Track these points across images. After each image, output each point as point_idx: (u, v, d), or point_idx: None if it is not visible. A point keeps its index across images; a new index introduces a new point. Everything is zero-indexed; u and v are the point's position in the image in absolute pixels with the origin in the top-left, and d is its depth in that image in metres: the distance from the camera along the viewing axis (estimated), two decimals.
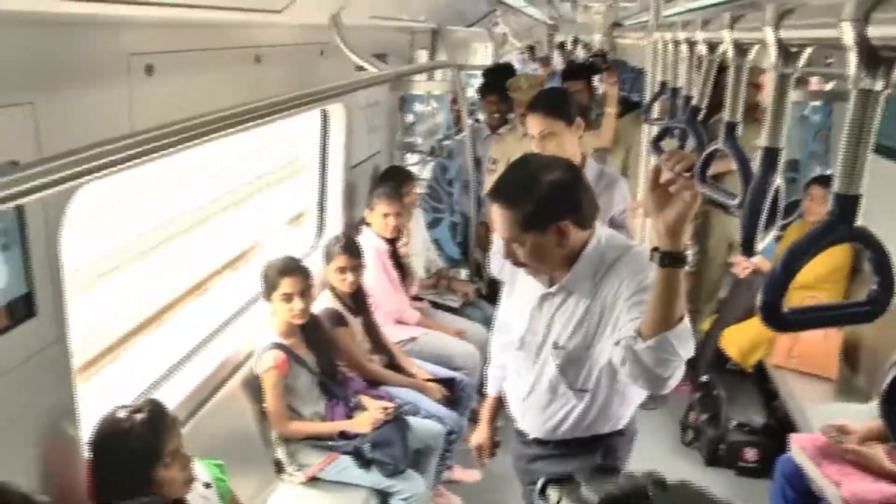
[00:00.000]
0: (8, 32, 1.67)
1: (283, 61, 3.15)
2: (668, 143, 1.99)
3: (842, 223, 0.82)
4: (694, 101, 1.61)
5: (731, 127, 1.29)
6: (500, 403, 2.67)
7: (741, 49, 1.32)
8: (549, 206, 2.02)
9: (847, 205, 0.81)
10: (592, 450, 2.34)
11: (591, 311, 2.13)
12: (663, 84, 2.55)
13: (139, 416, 2.04)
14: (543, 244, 2.05)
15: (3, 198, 1.14)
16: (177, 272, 5.99)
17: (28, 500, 1.55)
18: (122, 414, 2.05)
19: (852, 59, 0.81)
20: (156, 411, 2.08)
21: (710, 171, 1.45)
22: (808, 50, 1.05)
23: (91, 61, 1.98)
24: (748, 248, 1.06)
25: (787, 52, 1.06)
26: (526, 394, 2.34)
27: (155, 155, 1.46)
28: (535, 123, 3.07)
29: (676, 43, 2.12)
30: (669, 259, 1.69)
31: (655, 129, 3.13)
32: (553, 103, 3.12)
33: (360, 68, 3.18)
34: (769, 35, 1.07)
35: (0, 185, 1.14)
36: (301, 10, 2.57)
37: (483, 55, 10.00)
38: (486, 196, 2.13)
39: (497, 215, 2.07)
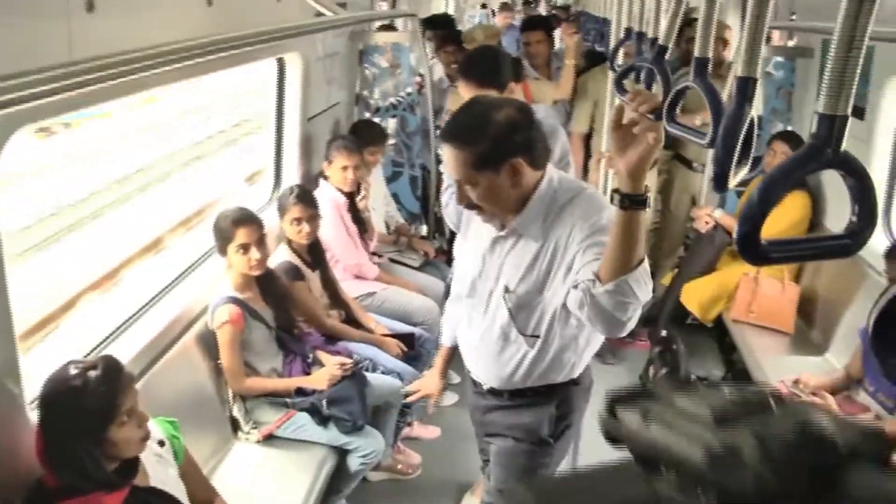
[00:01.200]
0: None
1: (238, 5, 3.01)
2: (631, 87, 1.92)
3: (826, 148, 0.76)
4: (661, 42, 1.54)
5: (702, 63, 1.23)
6: (453, 353, 2.66)
7: None
8: (502, 144, 1.99)
9: (833, 127, 0.75)
10: (548, 400, 2.34)
11: (541, 253, 2.10)
12: (628, 30, 2.49)
13: (93, 373, 1.95)
14: (497, 183, 2.02)
15: None
16: (131, 231, 5.89)
17: None
18: (74, 370, 1.95)
19: None
20: (110, 367, 1.99)
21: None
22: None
23: None
24: (720, 183, 1.01)
25: None
26: (478, 341, 2.32)
27: (95, 88, 1.36)
28: (466, 91, 3.00)
29: None
30: (630, 201, 1.66)
31: None
32: (484, 69, 3.04)
33: (319, 15, 3.07)
34: None
35: None
36: None
37: (443, 8, 9.84)
38: (439, 139, 2.08)
39: (450, 156, 2.04)
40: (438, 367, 2.75)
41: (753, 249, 0.77)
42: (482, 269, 2.25)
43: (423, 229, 5.36)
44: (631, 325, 1.85)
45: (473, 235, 2.35)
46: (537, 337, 2.20)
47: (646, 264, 1.77)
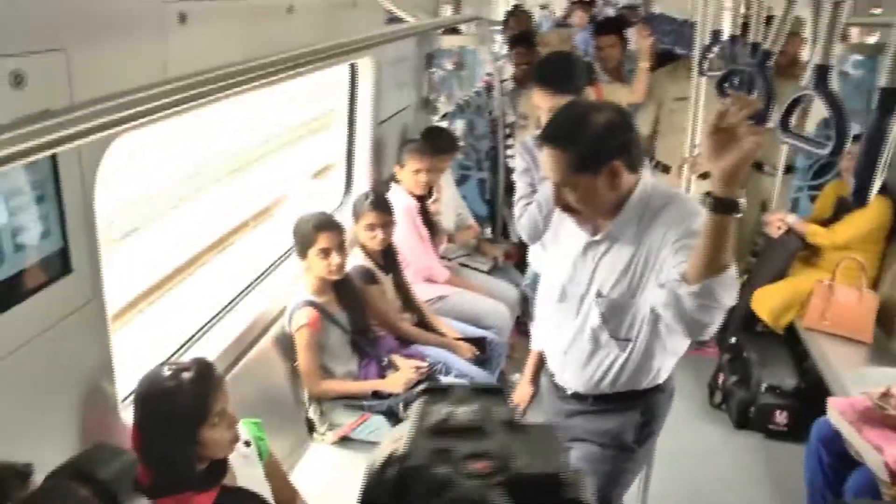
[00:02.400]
0: None
1: (315, 13, 3.06)
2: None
3: None
4: (766, 46, 1.51)
5: (823, 70, 1.19)
6: (543, 359, 2.62)
7: None
8: (602, 147, 2.00)
9: None
10: (633, 406, 2.33)
11: (636, 258, 2.10)
12: (716, 32, 2.44)
13: (186, 375, 1.98)
14: (595, 186, 2.03)
15: (36, 147, 1.06)
16: (201, 226, 5.97)
17: (14, 470, 1.52)
18: (168, 372, 1.99)
19: None
20: (203, 370, 2.02)
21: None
22: None
23: (124, 8, 1.91)
24: (861, 197, 0.98)
25: None
26: (567, 346, 2.31)
27: (188, 105, 1.39)
28: (543, 98, 2.98)
29: None
30: (722, 205, 1.64)
31: (705, 81, 3.03)
32: (560, 77, 3.01)
33: (393, 20, 3.09)
34: None
35: (32, 133, 1.06)
36: None
37: (504, 10, 9.80)
38: (536, 142, 2.09)
39: (549, 158, 2.05)
40: (529, 374, 2.72)
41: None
42: (573, 274, 2.25)
43: (488, 231, 5.33)
44: (713, 329, 1.84)
45: (563, 241, 2.34)
46: (628, 341, 2.19)
47: (733, 270, 1.76)
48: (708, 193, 1.66)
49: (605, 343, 2.22)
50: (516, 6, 8.15)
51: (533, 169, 3.05)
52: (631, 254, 2.10)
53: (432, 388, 1.11)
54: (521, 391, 2.73)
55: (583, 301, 2.23)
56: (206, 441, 2.01)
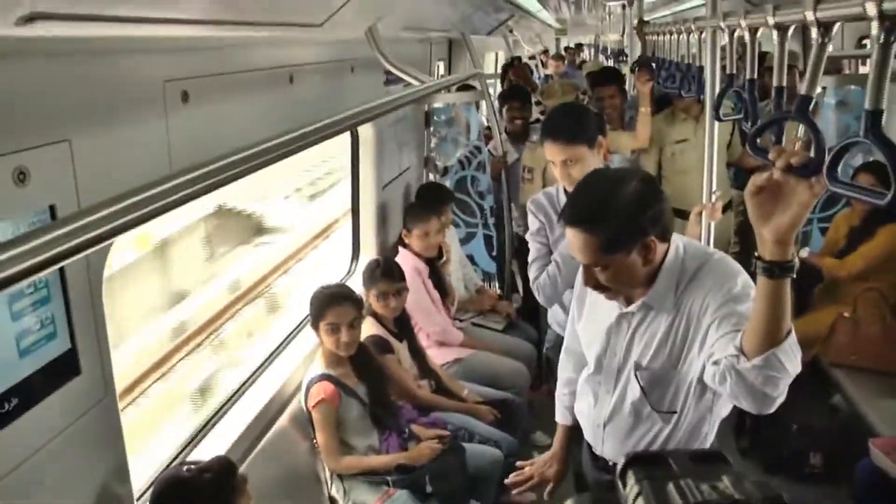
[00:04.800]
0: (40, 65, 1.55)
1: (316, 80, 3.03)
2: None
3: None
4: (803, 91, 1.43)
5: (877, 116, 1.12)
6: (572, 432, 2.50)
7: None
8: (634, 224, 1.87)
9: None
10: None
11: (674, 327, 1.98)
12: (730, 76, 2.38)
13: (207, 476, 1.89)
14: (630, 264, 1.91)
15: (41, 263, 0.98)
16: None
17: None
18: (187, 473, 1.90)
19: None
20: (224, 470, 1.93)
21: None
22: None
23: (126, 91, 1.86)
24: None
25: None
26: (606, 419, 2.19)
27: (195, 196, 1.33)
28: (555, 151, 2.83)
29: (754, 30, 1.95)
30: (779, 269, 1.51)
31: (718, 127, 2.97)
32: (572, 128, 2.86)
33: (391, 81, 3.06)
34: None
35: (38, 247, 0.98)
36: (340, 23, 2.45)
37: (490, 64, 9.90)
38: (560, 221, 1.97)
39: (577, 241, 1.91)
40: (559, 450, 2.55)
41: None
42: (607, 346, 2.14)
43: (496, 288, 5.25)
44: (781, 399, 1.69)
45: (593, 311, 2.24)
46: (673, 413, 2.07)
47: (794, 335, 1.62)
48: (758, 257, 1.53)
49: (647, 416, 2.10)
50: (515, 58, 8.22)
51: (546, 228, 2.96)
52: (669, 322, 1.98)
53: (640, 458, 1.00)
54: (550, 468, 2.54)
55: (620, 373, 2.12)
56: None
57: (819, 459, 3.98)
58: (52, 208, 1.58)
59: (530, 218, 3.02)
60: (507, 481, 2.62)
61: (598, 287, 1.98)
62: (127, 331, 2.95)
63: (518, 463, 2.64)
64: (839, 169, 1.26)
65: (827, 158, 1.24)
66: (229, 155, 1.43)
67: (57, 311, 1.66)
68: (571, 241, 1.94)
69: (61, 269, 1.66)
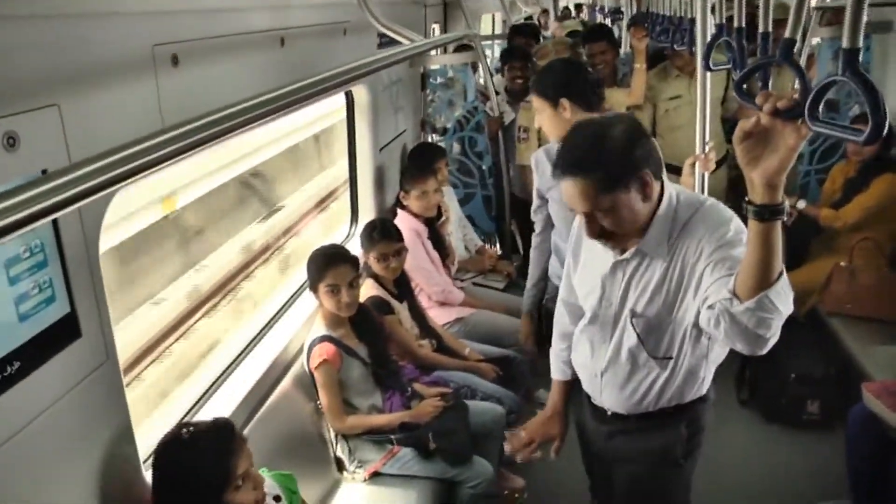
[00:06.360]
0: (27, 29, 1.55)
1: (308, 43, 3.02)
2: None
3: None
4: (787, 34, 1.44)
5: (853, 54, 1.13)
6: (570, 387, 2.53)
7: None
8: (627, 159, 1.90)
9: None
10: (677, 420, 2.24)
11: (669, 273, 2.01)
12: (719, 26, 2.38)
13: (205, 438, 1.92)
14: (630, 202, 1.92)
15: (32, 215, 1.00)
16: None
17: None
18: (186, 434, 1.92)
19: None
20: (223, 431, 1.96)
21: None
22: None
23: (116, 55, 1.87)
24: None
25: None
26: (603, 368, 2.23)
27: (187, 152, 1.34)
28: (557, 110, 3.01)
29: None
30: (768, 212, 1.52)
31: (712, 81, 2.97)
32: (538, 83, 3.08)
33: (385, 44, 3.06)
34: None
35: (27, 200, 1.00)
36: None
37: (488, 25, 9.82)
38: (554, 171, 1.98)
39: (574, 189, 1.93)
40: (558, 407, 2.56)
41: None
42: (603, 295, 2.16)
43: (497, 248, 5.27)
44: (773, 340, 1.71)
45: (587, 261, 2.26)
46: (669, 359, 2.11)
47: (785, 276, 1.64)
48: (748, 202, 1.54)
49: (644, 363, 2.14)
50: (527, 19, 8.12)
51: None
52: (664, 269, 2.01)
53: None
54: (551, 427, 2.56)
55: (617, 321, 2.15)
56: None
57: (816, 407, 4.07)
58: (44, 173, 1.59)
59: (534, 173, 3.13)
60: (506, 451, 2.65)
61: (602, 235, 2.00)
62: None
63: (508, 433, 2.67)
64: (820, 109, 1.26)
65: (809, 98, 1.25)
66: (217, 112, 1.44)
67: (55, 275, 1.68)
68: (569, 193, 1.96)
69: (57, 234, 1.68)
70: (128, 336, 5.61)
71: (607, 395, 2.26)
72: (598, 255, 2.15)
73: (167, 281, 6.67)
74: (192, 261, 7.12)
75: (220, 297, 6.74)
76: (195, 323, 6.34)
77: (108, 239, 5.50)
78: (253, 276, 7.25)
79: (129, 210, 6.16)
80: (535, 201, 3.25)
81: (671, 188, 2.05)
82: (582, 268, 2.31)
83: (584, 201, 1.93)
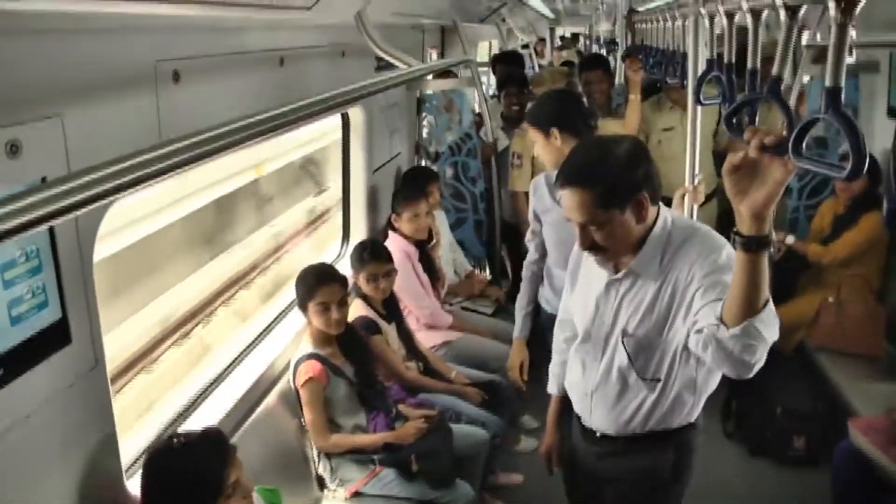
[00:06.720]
0: (34, 42, 1.59)
1: (307, 64, 3.07)
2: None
3: None
4: (774, 71, 1.49)
5: (836, 93, 1.17)
6: (564, 404, 2.56)
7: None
8: (628, 179, 1.97)
9: None
10: (665, 445, 2.27)
11: (660, 294, 2.05)
12: (710, 62, 2.44)
13: (196, 447, 1.92)
14: (624, 221, 1.99)
15: (30, 221, 1.02)
16: None
17: None
18: (177, 444, 1.93)
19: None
20: (214, 440, 1.97)
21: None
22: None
23: (119, 69, 1.90)
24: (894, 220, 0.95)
25: None
26: (594, 387, 2.26)
27: (185, 167, 1.36)
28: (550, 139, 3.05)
29: (730, 15, 2.01)
30: (756, 244, 1.57)
31: (700, 111, 3.03)
32: (532, 113, 3.17)
33: (382, 67, 3.10)
34: None
35: (26, 206, 1.02)
36: (328, 7, 2.49)
37: (485, 52, 9.92)
38: (557, 180, 2.06)
39: (573, 200, 1.99)
40: (552, 420, 2.65)
41: None
42: (596, 314, 2.21)
43: (487, 273, 5.29)
44: (759, 366, 1.76)
45: (582, 281, 2.31)
46: (658, 380, 2.14)
47: (771, 305, 1.69)
48: (736, 232, 1.59)
49: (633, 383, 2.17)
50: (523, 47, 8.23)
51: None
52: (655, 290, 2.06)
53: None
54: (547, 440, 2.66)
55: (608, 340, 2.19)
56: None
57: (802, 443, 4.04)
58: (44, 181, 1.61)
59: (532, 197, 3.19)
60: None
61: (593, 248, 2.05)
62: None
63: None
64: (804, 145, 1.30)
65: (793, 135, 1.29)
66: (215, 128, 1.46)
67: (48, 281, 1.70)
68: (568, 203, 2.02)
69: (53, 241, 1.70)
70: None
71: (597, 416, 2.29)
72: (594, 275, 2.20)
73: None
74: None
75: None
76: None
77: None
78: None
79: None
80: (532, 225, 3.28)
81: (667, 213, 2.11)
82: (578, 288, 2.36)
83: (580, 212, 1.99)
